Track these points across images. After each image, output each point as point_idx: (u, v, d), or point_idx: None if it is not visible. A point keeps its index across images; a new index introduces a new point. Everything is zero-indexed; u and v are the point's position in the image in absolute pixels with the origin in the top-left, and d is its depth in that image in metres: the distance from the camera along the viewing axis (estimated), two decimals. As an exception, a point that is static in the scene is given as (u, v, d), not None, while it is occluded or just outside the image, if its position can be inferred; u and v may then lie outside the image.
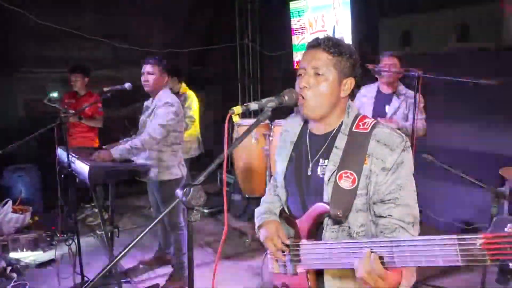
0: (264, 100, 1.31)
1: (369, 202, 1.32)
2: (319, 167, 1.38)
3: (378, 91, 3.56)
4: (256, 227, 1.59)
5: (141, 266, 3.65)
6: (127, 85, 3.01)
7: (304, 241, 1.38)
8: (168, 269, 3.50)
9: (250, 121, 4.80)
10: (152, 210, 3.61)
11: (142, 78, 3.14)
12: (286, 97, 1.33)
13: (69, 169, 2.83)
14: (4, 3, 4.60)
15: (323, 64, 1.33)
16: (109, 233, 3.12)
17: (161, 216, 1.17)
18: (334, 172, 1.32)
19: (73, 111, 3.93)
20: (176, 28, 5.91)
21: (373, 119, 1.38)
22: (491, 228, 0.93)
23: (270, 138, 4.28)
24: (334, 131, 1.40)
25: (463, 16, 4.04)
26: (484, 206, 2.78)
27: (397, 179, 1.28)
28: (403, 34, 4.60)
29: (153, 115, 3.09)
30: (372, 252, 1.10)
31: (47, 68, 5.00)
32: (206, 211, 4.86)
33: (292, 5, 5.30)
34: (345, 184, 1.29)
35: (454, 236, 0.97)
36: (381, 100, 3.52)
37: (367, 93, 3.58)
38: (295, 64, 5.48)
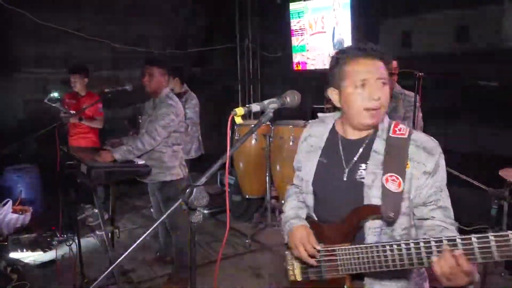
0: (266, 102, 1.31)
1: (411, 206, 1.34)
2: (357, 172, 1.38)
3: None
4: (285, 233, 1.55)
5: (141, 266, 3.66)
6: (128, 86, 3.02)
7: (343, 245, 1.36)
8: (168, 270, 3.50)
9: (251, 122, 4.81)
10: (153, 211, 3.61)
11: (143, 79, 3.15)
12: (288, 99, 1.33)
13: (70, 170, 2.84)
14: (4, 3, 4.60)
15: (385, 74, 1.37)
16: (109, 234, 3.12)
17: (163, 217, 1.16)
18: (378, 175, 1.33)
19: (74, 112, 3.93)
20: (176, 29, 5.92)
21: (406, 125, 1.41)
22: None
23: (270, 139, 4.29)
24: (370, 136, 1.41)
25: (463, 17, 4.05)
26: (484, 207, 2.79)
27: (436, 181, 1.32)
28: (403, 35, 4.61)
29: (154, 116, 3.09)
30: (451, 248, 1.11)
31: (47, 68, 5.00)
32: (206, 211, 4.86)
33: (292, 6, 5.30)
34: (392, 186, 1.30)
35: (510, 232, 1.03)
36: None
37: None
38: (295, 65, 5.48)
